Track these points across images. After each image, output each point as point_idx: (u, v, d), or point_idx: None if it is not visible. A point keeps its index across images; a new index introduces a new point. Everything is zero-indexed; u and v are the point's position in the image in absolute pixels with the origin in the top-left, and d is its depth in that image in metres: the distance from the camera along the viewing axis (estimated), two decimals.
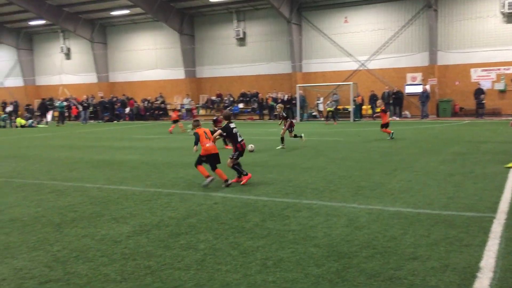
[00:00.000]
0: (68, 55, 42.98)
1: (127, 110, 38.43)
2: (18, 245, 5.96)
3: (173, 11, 35.86)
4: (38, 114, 39.26)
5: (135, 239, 6.11)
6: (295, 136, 16.38)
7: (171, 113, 28.33)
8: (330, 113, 28.16)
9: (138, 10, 35.77)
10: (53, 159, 14.55)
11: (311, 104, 33.45)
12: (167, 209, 7.74)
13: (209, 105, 36.38)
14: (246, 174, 9.66)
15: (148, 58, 39.61)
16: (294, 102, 32.45)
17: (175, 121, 24.14)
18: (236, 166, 9.66)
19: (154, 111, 37.61)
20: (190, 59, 37.64)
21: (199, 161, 9.61)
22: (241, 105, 35.44)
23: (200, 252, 5.52)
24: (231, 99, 35.67)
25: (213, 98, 36.39)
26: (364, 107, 31.18)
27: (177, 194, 8.85)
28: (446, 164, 11.49)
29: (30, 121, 34.58)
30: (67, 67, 43.36)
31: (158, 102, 37.98)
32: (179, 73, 38.11)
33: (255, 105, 34.69)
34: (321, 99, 32.33)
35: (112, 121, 37.33)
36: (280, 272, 4.82)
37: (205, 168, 9.59)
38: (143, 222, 6.91)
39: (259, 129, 25.33)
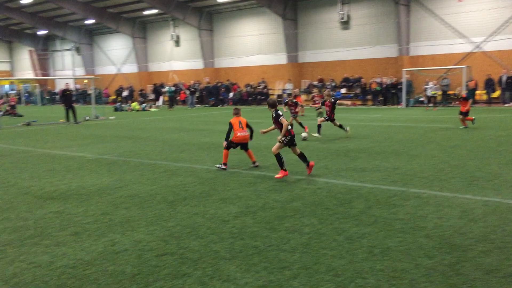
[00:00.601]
0: (177, 43, 45.14)
1: (231, 95, 39.58)
2: (137, 219, 6.44)
3: None
4: (151, 98, 41.90)
5: (242, 219, 6.31)
6: (341, 126, 14.97)
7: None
8: (433, 98, 26.69)
9: None
10: (165, 141, 15.46)
11: (419, 89, 31.86)
12: (271, 192, 7.88)
13: (310, 90, 36.18)
14: (285, 170, 9.02)
15: (252, 44, 40.29)
16: (399, 87, 31.16)
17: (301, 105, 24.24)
18: (279, 157, 9.05)
19: (256, 96, 38.30)
20: (292, 44, 37.63)
21: (228, 146, 10.19)
22: (343, 90, 34.79)
23: (305, 236, 5.56)
24: (333, 84, 35.17)
25: (315, 83, 36.12)
26: (478, 92, 29.02)
27: (282, 178, 8.96)
28: None
29: (144, 105, 37.02)
30: (176, 54, 45.61)
31: (261, 87, 38.60)
32: (281, 58, 38.32)
33: (358, 90, 33.86)
34: (430, 84, 30.65)
35: (217, 106, 38.70)
36: (388, 261, 4.70)
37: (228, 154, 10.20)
38: (249, 204, 7.11)
39: (362, 115, 24.73)
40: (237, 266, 4.69)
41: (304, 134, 14.89)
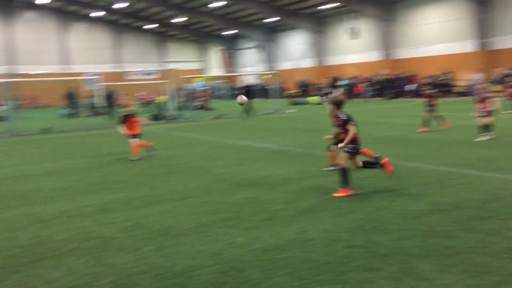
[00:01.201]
0: (354, 35, 44.68)
1: (411, 87, 37.68)
2: (322, 210, 6.57)
3: None
4: (326, 92, 42.40)
5: (432, 217, 5.97)
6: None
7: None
8: None
9: None
10: None
11: None
12: (462, 190, 7.29)
13: (502, 80, 32.43)
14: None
15: (434, 32, 37.75)
16: None
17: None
18: (368, 166, 7.83)
19: (439, 88, 35.81)
20: (484, 29, 34.16)
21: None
22: None
23: (508, 240, 5.02)
24: None
25: (509, 71, 32.24)
26: None
27: (473, 175, 8.25)
28: None
29: (322, 98, 37.60)
30: (352, 47, 45.20)
31: (444, 78, 35.96)
32: (468, 46, 35.15)
33: None
34: None
35: (395, 98, 37.29)
36: None
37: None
38: (438, 201, 6.69)
39: None
40: (431, 265, 4.45)
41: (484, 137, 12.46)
